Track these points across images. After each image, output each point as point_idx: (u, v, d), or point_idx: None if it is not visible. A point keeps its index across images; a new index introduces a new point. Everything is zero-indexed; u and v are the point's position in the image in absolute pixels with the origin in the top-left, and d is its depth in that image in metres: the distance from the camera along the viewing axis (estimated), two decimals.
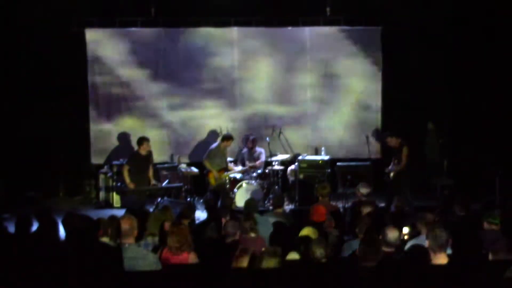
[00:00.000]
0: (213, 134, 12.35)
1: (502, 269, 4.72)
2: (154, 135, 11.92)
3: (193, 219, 8.11)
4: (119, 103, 12.46)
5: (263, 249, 5.56)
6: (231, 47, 12.45)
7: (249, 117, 12.58)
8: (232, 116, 12.54)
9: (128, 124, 12.45)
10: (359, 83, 12.66)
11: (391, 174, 10.44)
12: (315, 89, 12.62)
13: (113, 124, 12.47)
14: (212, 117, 12.49)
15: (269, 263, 5.00)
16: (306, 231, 6.55)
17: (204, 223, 7.74)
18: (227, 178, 11.06)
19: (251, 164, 11.40)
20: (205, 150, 11.47)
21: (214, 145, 11.34)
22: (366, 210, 7.52)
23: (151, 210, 9.63)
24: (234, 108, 12.56)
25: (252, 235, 6.48)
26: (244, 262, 5.23)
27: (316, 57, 12.53)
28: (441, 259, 5.03)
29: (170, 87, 12.45)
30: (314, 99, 12.62)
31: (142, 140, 10.25)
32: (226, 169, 11.21)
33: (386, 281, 4.78)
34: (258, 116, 12.58)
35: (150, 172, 10.37)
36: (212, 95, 12.50)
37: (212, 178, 11.06)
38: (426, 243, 5.16)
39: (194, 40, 12.41)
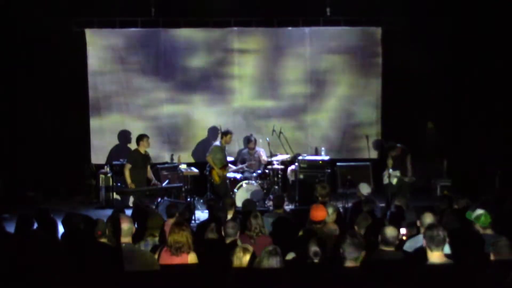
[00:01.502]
0: (213, 132, 12.39)
1: (504, 270, 4.71)
2: (150, 130, 12.02)
3: (187, 219, 8.10)
4: (119, 102, 12.47)
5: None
6: (230, 45, 12.52)
7: (244, 111, 12.65)
8: (227, 111, 12.63)
9: (128, 122, 12.49)
10: (358, 83, 12.67)
11: (395, 180, 10.46)
12: (311, 87, 12.65)
13: (113, 123, 12.49)
14: (204, 112, 12.57)
15: (270, 262, 5.00)
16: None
17: (204, 223, 7.74)
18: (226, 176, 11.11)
19: (250, 165, 11.44)
20: (206, 149, 11.53)
21: (216, 142, 11.38)
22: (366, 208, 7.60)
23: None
24: (230, 103, 12.65)
25: (259, 235, 6.50)
26: (244, 261, 5.23)
27: (314, 56, 12.54)
28: (437, 257, 5.04)
29: (168, 84, 12.49)
30: (310, 96, 12.64)
31: (143, 137, 10.26)
32: (227, 166, 11.26)
33: (386, 280, 4.78)
34: (250, 110, 12.64)
35: (149, 172, 10.38)
36: (205, 90, 12.54)
37: (216, 175, 11.09)
38: (423, 242, 5.16)
39: (193, 39, 12.44)
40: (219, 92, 12.61)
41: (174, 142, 12.60)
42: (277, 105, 12.67)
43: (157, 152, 12.22)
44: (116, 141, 12.46)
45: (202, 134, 12.61)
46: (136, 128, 12.15)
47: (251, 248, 5.37)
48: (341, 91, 12.70)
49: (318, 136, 12.72)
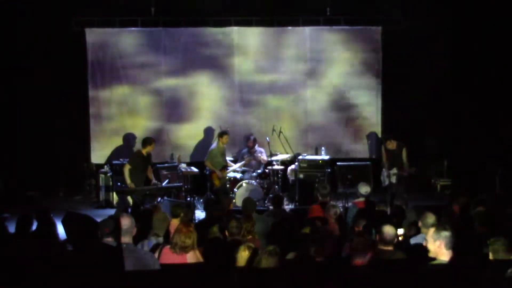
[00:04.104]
0: (209, 132, 12.46)
1: (503, 269, 4.72)
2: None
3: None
4: (120, 104, 12.49)
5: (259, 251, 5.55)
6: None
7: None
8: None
9: (128, 122, 12.52)
10: (358, 82, 12.67)
11: (394, 178, 10.45)
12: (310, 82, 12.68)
13: (113, 126, 12.50)
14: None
15: (269, 262, 5.01)
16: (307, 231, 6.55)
17: (203, 222, 7.74)
18: (226, 177, 11.12)
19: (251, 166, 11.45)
20: (205, 149, 11.55)
21: (213, 145, 11.39)
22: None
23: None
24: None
25: (249, 237, 6.49)
26: (243, 260, 5.23)
27: (314, 55, 12.57)
28: (445, 256, 5.07)
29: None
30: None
31: (151, 142, 10.24)
32: (227, 166, 11.27)
33: (385, 279, 4.79)
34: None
35: (150, 172, 10.38)
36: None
37: (216, 179, 11.10)
38: (426, 242, 5.17)
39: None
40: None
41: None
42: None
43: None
44: (116, 141, 12.47)
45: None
46: (135, 125, 12.31)
47: (253, 246, 5.37)
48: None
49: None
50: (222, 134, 11.25)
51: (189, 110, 12.60)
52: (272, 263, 5.00)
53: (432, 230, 5.14)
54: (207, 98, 12.59)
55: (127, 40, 12.37)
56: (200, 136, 12.58)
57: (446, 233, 5.07)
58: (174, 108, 12.57)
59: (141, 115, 12.54)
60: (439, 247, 5.06)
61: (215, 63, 12.51)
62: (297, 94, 12.67)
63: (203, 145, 12.28)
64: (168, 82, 12.49)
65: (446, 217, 6.82)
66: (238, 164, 11.44)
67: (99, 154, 12.49)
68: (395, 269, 5.13)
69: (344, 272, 5.05)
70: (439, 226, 5.24)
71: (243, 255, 5.26)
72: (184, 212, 7.32)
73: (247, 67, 12.59)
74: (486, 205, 6.96)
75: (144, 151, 10.22)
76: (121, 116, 12.50)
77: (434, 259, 5.08)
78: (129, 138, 12.42)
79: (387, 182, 10.63)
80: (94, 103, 12.42)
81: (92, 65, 12.35)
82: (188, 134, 12.60)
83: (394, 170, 10.52)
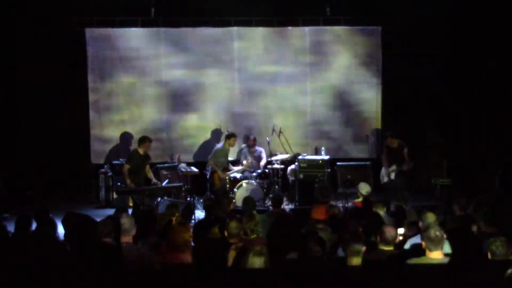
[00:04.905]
0: (216, 134, 12.46)
1: (502, 269, 4.72)
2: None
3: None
4: (119, 105, 12.51)
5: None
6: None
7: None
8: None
9: (128, 114, 12.53)
10: (358, 82, 12.66)
11: (392, 175, 10.47)
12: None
13: (114, 118, 12.52)
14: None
15: (254, 262, 4.98)
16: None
17: (202, 222, 7.74)
18: (227, 177, 11.13)
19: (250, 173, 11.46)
20: (208, 149, 11.54)
21: (219, 145, 11.40)
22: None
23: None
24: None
25: (253, 236, 6.47)
26: (230, 259, 5.24)
27: (314, 54, 12.57)
28: (436, 255, 5.09)
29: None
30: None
31: (146, 140, 10.24)
32: (228, 169, 11.27)
33: (385, 279, 4.79)
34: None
35: (149, 172, 10.38)
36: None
37: (217, 179, 11.11)
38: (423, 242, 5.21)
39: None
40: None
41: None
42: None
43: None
44: (115, 134, 12.50)
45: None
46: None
47: (240, 245, 5.36)
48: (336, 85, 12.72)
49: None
50: (230, 136, 11.24)
51: (189, 105, 12.59)
52: (258, 263, 4.97)
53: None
54: (208, 92, 12.58)
55: (126, 38, 12.37)
56: (200, 132, 12.60)
57: (432, 234, 5.09)
58: (174, 102, 12.56)
59: (142, 108, 12.55)
60: (425, 247, 5.12)
61: (215, 60, 12.52)
62: (297, 90, 12.66)
63: (207, 145, 12.30)
64: (168, 78, 12.49)
65: (446, 217, 6.83)
66: (238, 168, 11.43)
67: (99, 151, 12.48)
68: (392, 268, 5.14)
69: (342, 272, 5.05)
70: (431, 227, 5.26)
71: (231, 255, 5.25)
72: (177, 212, 7.35)
73: (247, 63, 12.59)
74: (489, 205, 6.97)
75: (140, 150, 10.23)
76: (121, 108, 12.51)
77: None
78: (126, 137, 12.42)
79: (385, 179, 10.66)
80: (94, 95, 12.40)
81: (92, 61, 12.33)
82: (188, 130, 12.61)
83: (393, 167, 10.55)
